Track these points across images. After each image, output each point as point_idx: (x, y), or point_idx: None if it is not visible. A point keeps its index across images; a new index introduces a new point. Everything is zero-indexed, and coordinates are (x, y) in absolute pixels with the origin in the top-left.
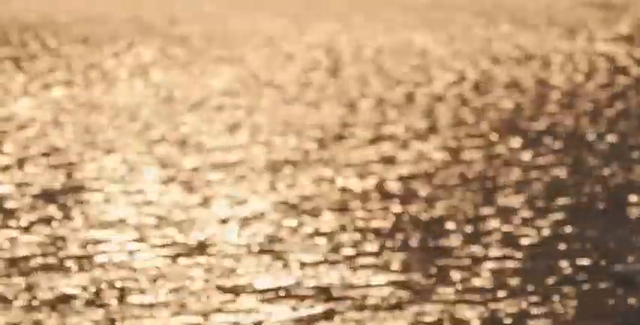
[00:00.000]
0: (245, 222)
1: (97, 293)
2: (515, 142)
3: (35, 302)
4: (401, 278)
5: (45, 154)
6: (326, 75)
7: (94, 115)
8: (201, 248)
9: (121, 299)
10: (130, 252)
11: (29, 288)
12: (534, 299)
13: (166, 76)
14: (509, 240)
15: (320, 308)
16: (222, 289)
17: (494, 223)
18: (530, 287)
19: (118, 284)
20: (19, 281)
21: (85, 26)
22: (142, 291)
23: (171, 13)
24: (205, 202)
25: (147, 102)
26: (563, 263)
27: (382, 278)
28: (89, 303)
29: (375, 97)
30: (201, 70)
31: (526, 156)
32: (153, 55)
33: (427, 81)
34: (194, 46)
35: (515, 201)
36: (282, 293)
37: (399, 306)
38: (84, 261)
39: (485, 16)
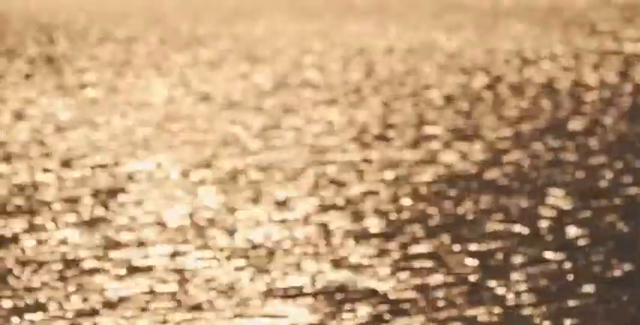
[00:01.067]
0: (290, 223)
1: (148, 296)
2: (555, 142)
3: (87, 306)
4: (450, 279)
5: (86, 155)
6: (361, 75)
7: (132, 115)
8: (247, 250)
9: (171, 301)
10: (176, 254)
11: (80, 291)
12: (591, 300)
13: (199, 75)
14: (560, 241)
15: (370, 310)
16: (269, 292)
17: (544, 224)
18: (587, 288)
19: (168, 288)
20: (71, 283)
21: (108, 26)
22: (191, 294)
23: (197, 13)
24: (249, 204)
25: (184, 101)
26: (615, 264)
27: (430, 280)
28: (141, 307)
29: (413, 98)
30: (234, 70)
31: (566, 155)
32: (185, 55)
33: (464, 82)
34: (224, 45)
35: (564, 202)
36: (330, 295)
37: (452, 306)
38: (134, 264)
39: (510, 16)
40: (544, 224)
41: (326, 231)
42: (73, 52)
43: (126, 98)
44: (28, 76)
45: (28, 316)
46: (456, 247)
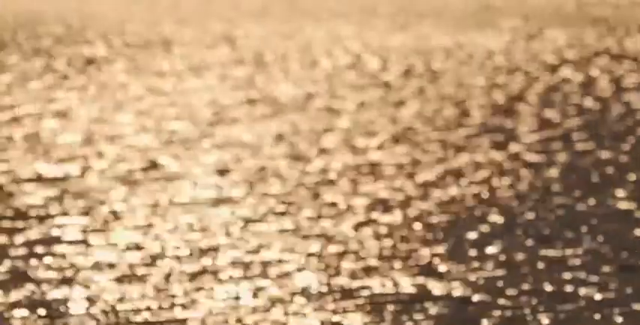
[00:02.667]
0: (352, 225)
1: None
2: (599, 142)
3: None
4: (529, 280)
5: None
6: (400, 76)
7: (180, 116)
8: (313, 253)
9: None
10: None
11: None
12: None
13: (242, 77)
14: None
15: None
16: (343, 290)
17: (609, 224)
18: None
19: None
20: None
21: (140, 29)
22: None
23: (233, 17)
24: (306, 206)
25: (230, 103)
26: None
27: (507, 282)
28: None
29: (454, 99)
30: (276, 71)
31: (605, 155)
32: (224, 56)
33: (503, 83)
34: (260, 47)
35: (628, 203)
36: (398, 296)
37: (535, 311)
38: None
39: (533, 17)
40: (609, 225)
41: (388, 231)
42: (113, 55)
43: (169, 100)
44: (65, 77)
45: None
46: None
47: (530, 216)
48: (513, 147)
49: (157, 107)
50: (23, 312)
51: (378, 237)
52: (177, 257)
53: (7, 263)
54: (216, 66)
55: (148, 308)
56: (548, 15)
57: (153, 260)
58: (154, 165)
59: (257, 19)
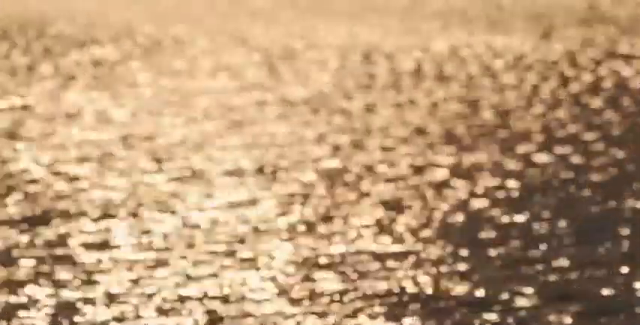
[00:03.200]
0: (383, 226)
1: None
2: (611, 141)
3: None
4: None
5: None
6: (428, 77)
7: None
8: (344, 255)
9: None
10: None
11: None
12: None
13: (254, 78)
14: None
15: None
16: (365, 293)
17: None
18: None
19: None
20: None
21: (151, 29)
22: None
23: (244, 17)
24: (335, 209)
25: (246, 104)
26: None
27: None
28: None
29: (487, 100)
30: (286, 73)
31: (620, 154)
32: (238, 57)
33: (535, 84)
34: (275, 50)
35: None
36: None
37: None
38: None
39: (545, 17)
40: None
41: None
42: (124, 56)
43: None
44: (96, 78)
45: None
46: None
47: (551, 215)
48: (526, 148)
49: (176, 107)
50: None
51: (397, 236)
52: None
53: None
54: (232, 66)
55: None
56: (559, 15)
57: None
58: (171, 166)
59: (266, 19)
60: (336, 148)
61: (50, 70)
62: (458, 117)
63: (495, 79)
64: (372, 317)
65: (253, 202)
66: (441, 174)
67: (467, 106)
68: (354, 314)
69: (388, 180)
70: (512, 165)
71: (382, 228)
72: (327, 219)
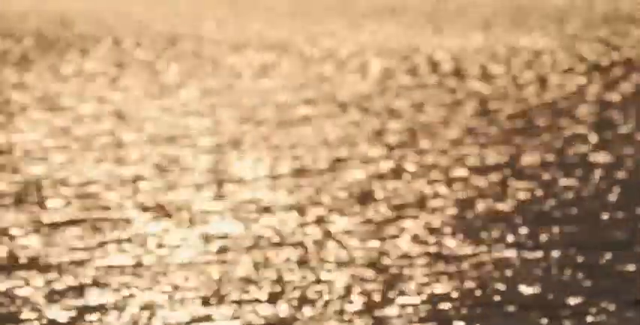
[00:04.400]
0: (445, 228)
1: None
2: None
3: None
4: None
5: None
6: (470, 76)
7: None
8: (408, 258)
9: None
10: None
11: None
12: None
13: (295, 78)
14: None
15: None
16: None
17: None
18: None
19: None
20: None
21: (175, 28)
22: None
23: (271, 17)
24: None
25: (290, 103)
26: None
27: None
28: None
29: (533, 100)
30: (327, 73)
31: None
32: (274, 57)
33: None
34: (312, 49)
35: None
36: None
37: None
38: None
39: (567, 18)
40: None
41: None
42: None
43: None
44: (115, 79)
45: None
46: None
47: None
48: (580, 148)
49: (214, 108)
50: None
51: (461, 237)
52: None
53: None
54: (267, 66)
55: None
56: (582, 15)
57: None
58: (214, 168)
59: (294, 19)
60: (391, 148)
61: (82, 70)
62: (508, 117)
63: (537, 78)
64: (439, 320)
65: (311, 203)
66: (499, 174)
67: (515, 105)
68: (421, 317)
69: (447, 181)
70: (569, 165)
71: (444, 229)
72: (388, 220)
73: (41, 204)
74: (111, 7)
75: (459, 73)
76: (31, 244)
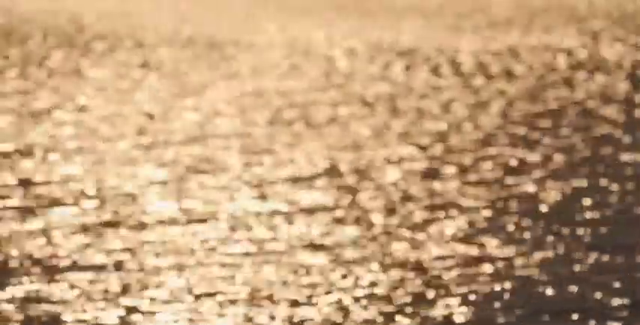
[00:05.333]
0: (485, 229)
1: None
2: None
3: None
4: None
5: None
6: (496, 76)
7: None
8: (444, 259)
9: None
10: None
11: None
12: None
13: (320, 78)
14: None
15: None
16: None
17: None
18: None
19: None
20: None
21: (194, 29)
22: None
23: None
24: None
25: (316, 103)
26: None
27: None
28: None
29: (563, 100)
30: (352, 73)
31: None
32: (297, 58)
33: (606, 84)
34: (333, 50)
35: None
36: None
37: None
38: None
39: (601, 17)
40: None
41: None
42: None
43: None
44: (141, 80)
45: None
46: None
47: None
48: (611, 148)
49: (251, 108)
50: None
51: (503, 238)
52: None
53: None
54: (286, 66)
55: None
56: (613, 15)
57: None
58: (248, 169)
59: (309, 18)
60: (421, 148)
61: (113, 74)
62: (535, 117)
63: (562, 77)
64: (481, 320)
65: (343, 205)
66: (534, 174)
67: (541, 105)
68: (462, 318)
69: (480, 182)
70: (603, 165)
71: (480, 230)
72: (425, 222)
73: (78, 205)
74: (130, 8)
75: (482, 73)
76: (69, 245)
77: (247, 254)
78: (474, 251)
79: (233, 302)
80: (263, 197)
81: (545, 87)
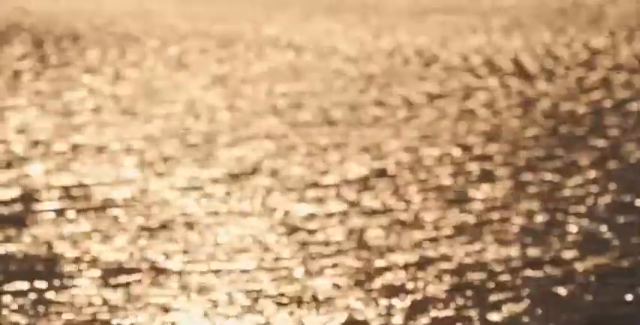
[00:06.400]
0: (545, 231)
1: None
2: None
3: None
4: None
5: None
6: (535, 77)
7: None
8: (509, 260)
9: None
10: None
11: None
12: None
13: (358, 78)
14: None
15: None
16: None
17: None
18: None
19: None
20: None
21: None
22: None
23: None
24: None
25: (361, 104)
26: None
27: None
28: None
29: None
30: (389, 74)
31: None
32: (326, 58)
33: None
34: (364, 50)
35: None
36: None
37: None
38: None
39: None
40: None
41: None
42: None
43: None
44: (173, 80)
45: None
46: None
47: None
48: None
49: (285, 109)
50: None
51: (563, 241)
52: None
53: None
54: (320, 66)
55: None
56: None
57: None
58: (293, 171)
59: (332, 18)
60: (470, 149)
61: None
62: (580, 118)
63: (601, 78)
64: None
65: (396, 206)
66: (587, 176)
67: (585, 105)
68: (520, 321)
69: (534, 182)
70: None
71: (535, 232)
72: (479, 223)
73: (130, 206)
74: (150, 7)
75: (521, 74)
76: (112, 248)
77: (295, 257)
78: (534, 252)
79: (292, 304)
80: (316, 199)
81: (586, 88)
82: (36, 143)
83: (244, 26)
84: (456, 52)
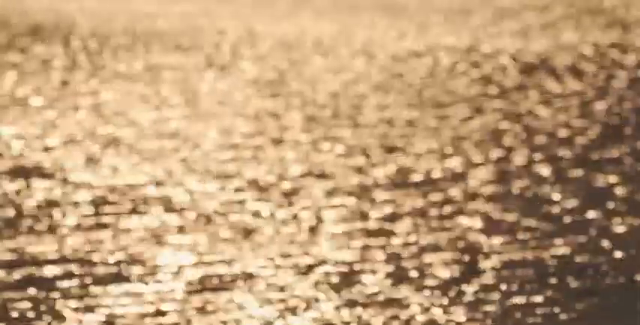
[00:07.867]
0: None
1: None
2: None
3: None
4: None
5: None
6: (565, 76)
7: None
8: (543, 262)
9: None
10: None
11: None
12: None
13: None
14: None
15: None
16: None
17: None
18: None
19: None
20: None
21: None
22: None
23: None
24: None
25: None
26: None
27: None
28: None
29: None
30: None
31: None
32: (355, 60)
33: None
34: (384, 51)
35: None
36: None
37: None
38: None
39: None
40: None
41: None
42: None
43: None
44: (204, 80)
45: None
46: None
47: None
48: None
49: (310, 110)
50: None
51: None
52: None
53: None
54: (353, 68)
55: None
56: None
57: None
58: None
59: (352, 17)
60: (510, 149)
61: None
62: (611, 115)
63: (629, 76)
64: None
65: (441, 208)
66: (609, 178)
67: (619, 103)
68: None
69: (573, 180)
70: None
71: (579, 232)
72: (524, 223)
73: (170, 208)
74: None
75: (550, 73)
76: (143, 250)
77: (336, 261)
78: (587, 252)
79: (345, 307)
80: (370, 202)
81: (617, 86)
82: (68, 142)
83: (284, 27)
84: (481, 52)
